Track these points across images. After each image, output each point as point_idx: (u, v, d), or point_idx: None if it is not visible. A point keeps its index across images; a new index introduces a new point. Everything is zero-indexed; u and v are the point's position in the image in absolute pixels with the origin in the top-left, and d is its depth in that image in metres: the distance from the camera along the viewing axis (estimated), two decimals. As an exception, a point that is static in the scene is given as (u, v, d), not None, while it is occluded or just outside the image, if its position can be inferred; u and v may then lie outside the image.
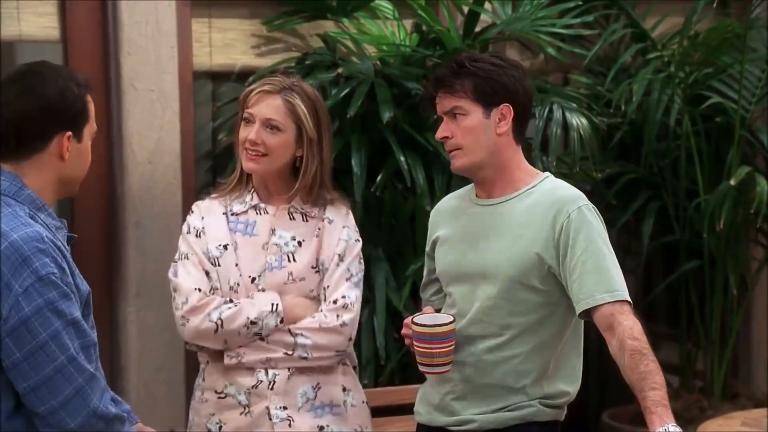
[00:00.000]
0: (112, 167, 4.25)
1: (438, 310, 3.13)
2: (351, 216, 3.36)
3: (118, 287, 4.28)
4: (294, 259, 3.26)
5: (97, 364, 2.50)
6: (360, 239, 3.35)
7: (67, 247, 2.51)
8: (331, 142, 3.35)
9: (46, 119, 2.49)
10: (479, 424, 3.00)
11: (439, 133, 3.01)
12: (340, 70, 4.41)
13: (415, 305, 4.34)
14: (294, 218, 3.29)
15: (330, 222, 3.30)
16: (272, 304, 3.20)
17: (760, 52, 5.10)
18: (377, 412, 3.86)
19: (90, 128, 2.57)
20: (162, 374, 4.32)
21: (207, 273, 3.23)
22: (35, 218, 2.48)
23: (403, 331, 3.07)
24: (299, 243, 3.27)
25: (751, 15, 5.02)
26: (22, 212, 2.46)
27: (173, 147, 4.33)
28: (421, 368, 3.00)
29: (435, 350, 2.94)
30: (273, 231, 3.27)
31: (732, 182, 4.69)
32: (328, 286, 3.27)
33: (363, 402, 3.38)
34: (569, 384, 3.02)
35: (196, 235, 3.27)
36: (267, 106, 3.24)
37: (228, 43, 4.57)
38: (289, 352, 3.21)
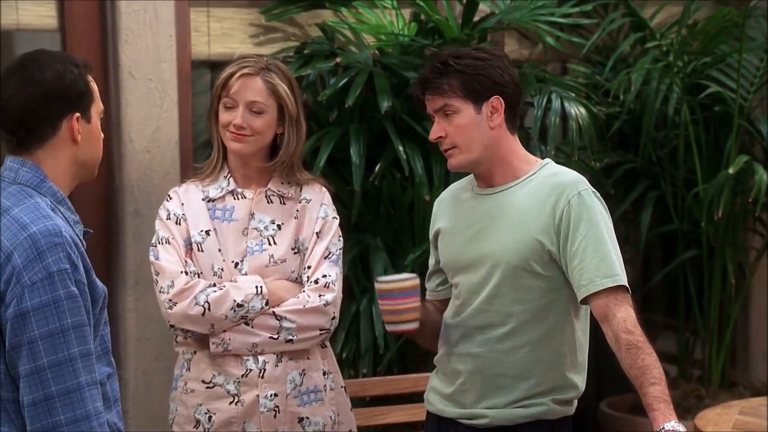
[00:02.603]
0: (111, 156, 4.25)
1: (446, 300, 3.14)
2: (327, 194, 3.37)
3: (117, 276, 4.28)
4: (274, 242, 3.28)
5: (92, 376, 2.42)
6: (337, 216, 3.36)
7: (83, 242, 2.51)
8: (307, 120, 3.38)
9: (50, 104, 2.49)
10: (490, 420, 3.00)
11: (433, 134, 3.00)
12: (338, 60, 4.40)
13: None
14: (272, 201, 3.31)
15: (308, 202, 3.32)
16: (257, 287, 3.22)
17: (758, 41, 5.10)
18: (376, 401, 3.86)
19: (97, 107, 2.57)
20: (160, 363, 4.32)
21: (187, 261, 3.25)
22: (56, 211, 2.48)
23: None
24: (278, 226, 3.29)
25: (750, 3, 5.02)
26: (44, 204, 2.47)
27: (171, 136, 4.32)
28: (388, 327, 3.03)
29: (399, 306, 2.97)
30: (252, 215, 3.29)
31: (730, 171, 4.69)
32: (309, 266, 3.29)
33: (341, 387, 3.39)
34: (578, 374, 3.02)
35: (176, 222, 3.28)
36: (249, 89, 3.25)
37: (226, 32, 4.57)
38: (275, 336, 3.22)
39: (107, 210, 4.30)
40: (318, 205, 3.33)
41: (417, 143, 4.37)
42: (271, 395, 3.23)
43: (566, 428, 3.04)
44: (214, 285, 3.22)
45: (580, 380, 3.03)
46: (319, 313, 3.25)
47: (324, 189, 3.38)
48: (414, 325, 3.00)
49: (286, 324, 3.22)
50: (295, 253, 3.30)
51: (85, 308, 2.42)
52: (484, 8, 4.70)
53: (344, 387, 3.41)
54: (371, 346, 4.31)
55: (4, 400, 2.41)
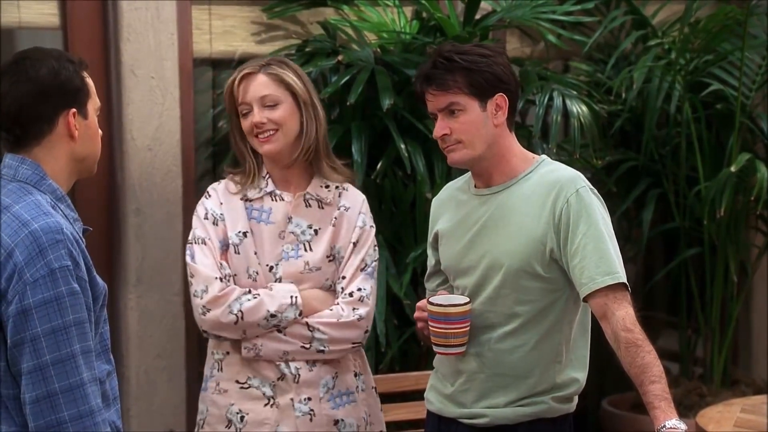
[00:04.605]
0: (112, 154, 4.25)
1: None
2: (365, 201, 3.36)
3: (119, 274, 4.29)
4: (310, 249, 3.26)
5: (93, 373, 2.43)
6: (374, 225, 3.35)
7: (83, 239, 2.51)
8: (323, 108, 3.34)
9: (45, 100, 2.49)
10: (491, 419, 2.99)
11: (438, 131, 2.97)
12: (340, 58, 4.40)
13: (416, 292, 4.35)
14: (310, 205, 3.29)
15: (346, 209, 3.30)
16: (291, 297, 3.20)
17: (760, 39, 5.09)
18: (377, 399, 3.86)
19: (93, 103, 2.57)
20: (162, 361, 4.33)
21: (222, 264, 3.22)
22: (56, 208, 2.48)
23: (416, 314, 3.07)
24: (315, 231, 3.27)
25: (752, 2, 5.01)
26: (44, 201, 2.47)
27: (173, 134, 4.33)
28: (436, 349, 3.00)
29: (450, 330, 2.94)
30: (290, 219, 3.26)
31: (732, 169, 4.69)
32: (344, 277, 3.27)
33: (372, 387, 3.40)
34: (579, 371, 3.02)
35: (214, 222, 3.26)
36: (256, 87, 3.24)
37: (228, 30, 4.57)
38: (306, 345, 3.22)
39: (109, 208, 4.30)
40: (356, 214, 3.31)
41: (419, 141, 4.37)
42: (305, 399, 3.23)
43: (567, 426, 3.04)
44: (249, 292, 3.21)
45: (581, 375, 3.03)
46: (352, 328, 3.25)
47: (362, 196, 3.36)
48: (462, 349, 2.98)
49: (318, 335, 3.22)
50: (330, 260, 3.28)
51: (86, 305, 2.43)
52: (485, 6, 4.69)
53: (374, 387, 3.41)
54: (373, 344, 4.30)
55: (4, 397, 2.41)
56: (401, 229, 4.47)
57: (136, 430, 4.29)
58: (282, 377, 3.23)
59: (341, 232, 3.29)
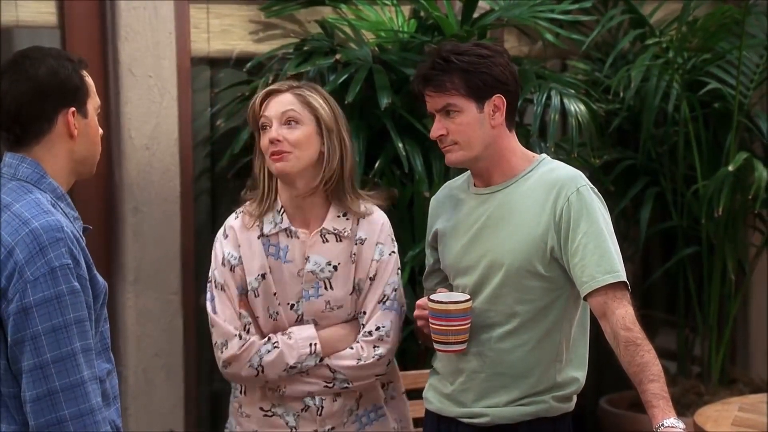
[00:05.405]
0: (110, 153, 4.25)
1: None
2: (385, 226, 3.24)
3: (117, 273, 4.28)
4: (331, 286, 3.18)
5: (93, 371, 2.44)
6: (395, 250, 3.26)
7: (83, 237, 2.51)
8: (351, 139, 3.21)
9: (43, 99, 2.49)
10: (491, 419, 3.00)
11: (434, 132, 2.97)
12: (338, 56, 4.40)
13: (414, 291, 4.34)
14: (327, 240, 3.18)
15: (362, 242, 3.20)
16: (311, 345, 3.15)
17: (758, 38, 5.10)
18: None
19: (93, 102, 2.57)
20: (160, 359, 4.33)
21: (241, 314, 3.16)
22: (56, 207, 2.48)
23: (416, 312, 3.06)
24: (335, 267, 3.18)
25: (750, 1, 5.01)
26: (44, 200, 2.47)
27: (171, 133, 4.33)
28: (437, 346, 3.00)
29: (451, 328, 2.94)
30: (307, 259, 3.17)
31: (730, 168, 4.69)
32: (364, 312, 3.21)
33: (402, 393, 3.36)
34: (579, 370, 3.03)
35: (231, 269, 3.16)
36: (279, 103, 3.13)
37: (226, 28, 4.57)
38: (330, 384, 3.18)
39: (107, 207, 4.30)
40: (373, 246, 3.21)
41: (417, 140, 4.36)
42: (329, 429, 3.21)
43: (566, 425, 3.04)
44: (269, 340, 3.15)
45: (580, 374, 3.03)
46: (373, 367, 3.20)
47: (382, 221, 3.24)
48: (463, 347, 2.98)
49: (340, 376, 3.18)
50: (352, 294, 3.22)
51: (87, 304, 2.43)
52: (483, 5, 4.69)
53: (404, 392, 3.37)
54: (371, 343, 4.30)
55: (5, 396, 2.41)
56: (399, 229, 4.46)
57: (135, 429, 4.29)
58: (306, 409, 3.19)
59: (359, 268, 3.20)
